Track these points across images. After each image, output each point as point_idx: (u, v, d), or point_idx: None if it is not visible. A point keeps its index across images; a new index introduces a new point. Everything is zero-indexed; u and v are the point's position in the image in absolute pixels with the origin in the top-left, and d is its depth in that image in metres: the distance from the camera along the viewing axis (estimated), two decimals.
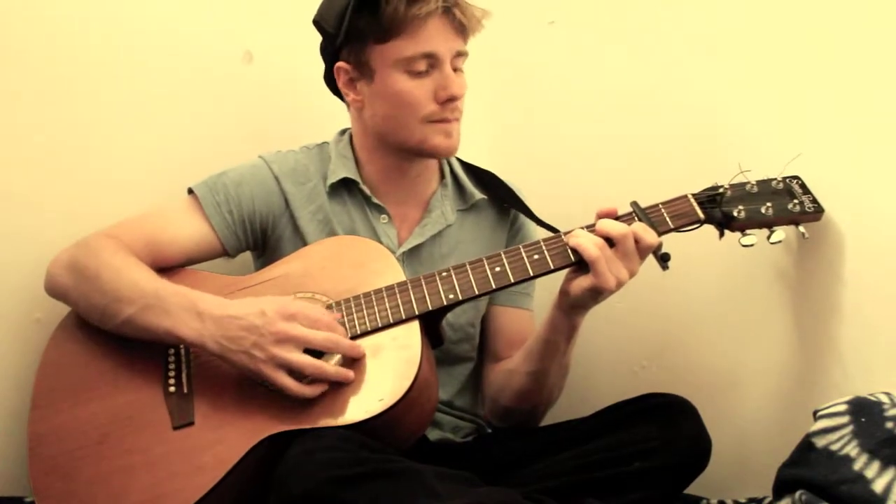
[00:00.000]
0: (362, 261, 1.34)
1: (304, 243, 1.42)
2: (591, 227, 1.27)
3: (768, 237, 1.30)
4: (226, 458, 1.17)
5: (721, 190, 1.30)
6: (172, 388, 1.26)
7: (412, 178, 1.46)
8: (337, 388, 1.21)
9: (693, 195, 1.30)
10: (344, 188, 1.45)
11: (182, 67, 1.60)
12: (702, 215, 1.29)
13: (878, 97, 1.30)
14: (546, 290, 1.38)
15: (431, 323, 1.29)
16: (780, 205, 1.29)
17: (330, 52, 1.41)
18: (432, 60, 1.34)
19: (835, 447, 1.17)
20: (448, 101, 1.35)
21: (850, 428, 1.17)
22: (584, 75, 1.72)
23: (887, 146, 1.29)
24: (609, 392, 1.45)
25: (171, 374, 1.28)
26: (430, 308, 1.26)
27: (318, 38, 1.43)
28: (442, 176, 1.51)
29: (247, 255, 1.50)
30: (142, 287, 1.26)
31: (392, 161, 1.44)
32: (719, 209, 1.29)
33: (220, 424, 1.21)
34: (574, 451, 1.29)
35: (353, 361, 1.23)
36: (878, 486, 1.11)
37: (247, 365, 1.20)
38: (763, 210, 1.28)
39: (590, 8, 1.71)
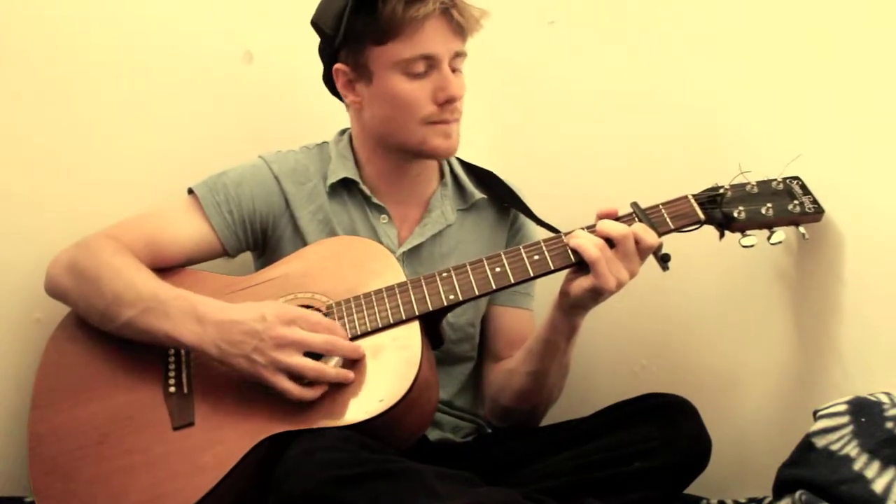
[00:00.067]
0: (362, 261, 1.34)
1: (305, 243, 1.42)
2: (591, 228, 1.27)
3: (768, 238, 1.29)
4: (226, 459, 1.17)
5: (721, 191, 1.30)
6: (172, 389, 1.26)
7: (412, 177, 1.46)
8: (337, 389, 1.21)
9: (693, 196, 1.30)
10: (344, 188, 1.45)
11: (182, 67, 1.59)
12: (702, 216, 1.29)
13: (878, 97, 1.30)
14: (546, 290, 1.38)
15: (432, 323, 1.29)
16: (781, 205, 1.28)
17: (328, 54, 1.41)
18: (431, 62, 1.34)
19: (835, 447, 1.17)
20: (447, 102, 1.35)
21: (850, 428, 1.17)
22: (584, 75, 1.71)
23: (887, 146, 1.29)
24: (609, 392, 1.45)
25: (172, 374, 1.28)
26: (431, 308, 1.26)
27: (318, 38, 1.43)
28: (442, 175, 1.50)
29: (247, 256, 1.50)
30: (141, 290, 1.26)
31: (392, 161, 1.44)
32: (720, 210, 1.29)
33: (220, 425, 1.21)
34: (574, 451, 1.29)
35: (354, 362, 1.23)
36: (878, 486, 1.11)
37: (247, 369, 1.20)
38: (763, 211, 1.28)
39: (590, 8, 1.70)
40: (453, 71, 1.37)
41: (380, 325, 1.26)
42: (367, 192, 1.44)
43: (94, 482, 1.20)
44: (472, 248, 1.46)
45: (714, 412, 1.32)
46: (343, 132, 1.51)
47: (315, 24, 1.41)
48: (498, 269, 1.27)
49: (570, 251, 1.26)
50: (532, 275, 1.27)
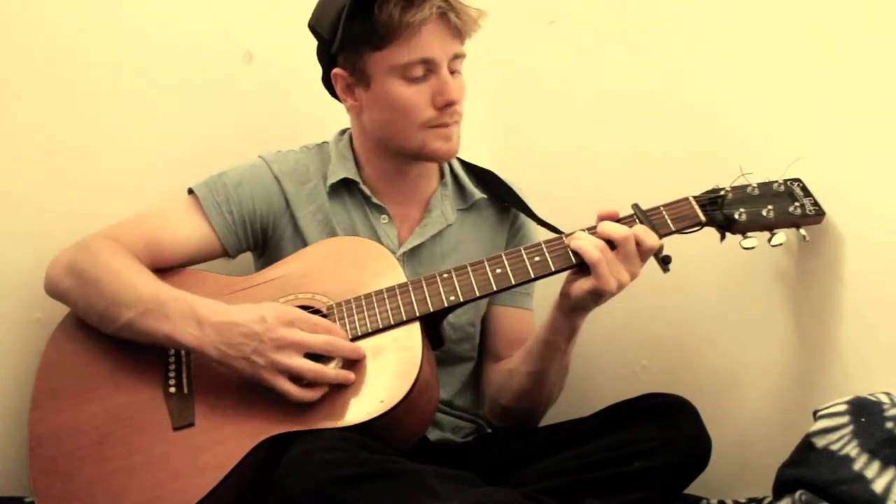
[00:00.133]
0: (362, 261, 1.34)
1: (305, 243, 1.42)
2: (591, 230, 1.27)
3: (769, 240, 1.29)
4: (226, 460, 1.17)
5: (722, 192, 1.30)
6: (173, 389, 1.26)
7: (412, 179, 1.46)
8: (338, 390, 1.21)
9: (694, 197, 1.30)
10: (344, 188, 1.45)
11: (182, 67, 1.59)
12: (703, 218, 1.28)
13: (878, 98, 1.30)
14: (547, 290, 1.38)
15: (432, 324, 1.29)
16: (782, 207, 1.28)
17: (326, 58, 1.41)
18: (429, 66, 1.33)
19: (835, 447, 1.17)
20: (446, 106, 1.35)
21: (850, 428, 1.17)
22: (584, 75, 1.71)
23: (887, 146, 1.29)
24: (609, 392, 1.46)
25: (172, 374, 1.28)
26: (431, 309, 1.26)
27: (313, 36, 1.42)
28: (442, 175, 1.50)
29: (247, 256, 1.50)
30: (141, 291, 1.26)
31: (392, 163, 1.43)
32: (720, 212, 1.29)
33: (220, 425, 1.21)
34: (574, 451, 1.29)
35: (354, 363, 1.23)
36: (878, 486, 1.11)
37: (247, 371, 1.20)
38: (764, 213, 1.28)
39: (590, 8, 1.70)
40: (452, 73, 1.36)
41: (380, 326, 1.26)
42: (367, 192, 1.44)
43: (94, 482, 1.20)
44: (473, 248, 1.46)
45: (714, 412, 1.32)
46: (343, 132, 1.50)
47: (312, 27, 1.40)
48: (499, 270, 1.27)
49: (570, 252, 1.26)
50: (533, 276, 1.27)
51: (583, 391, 1.57)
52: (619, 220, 1.27)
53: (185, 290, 1.27)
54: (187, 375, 1.27)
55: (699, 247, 1.31)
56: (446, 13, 1.32)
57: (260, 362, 1.19)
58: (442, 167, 1.51)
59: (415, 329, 1.25)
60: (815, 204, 1.29)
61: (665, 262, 1.26)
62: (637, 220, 1.27)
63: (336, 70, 1.39)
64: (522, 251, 1.28)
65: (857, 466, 1.13)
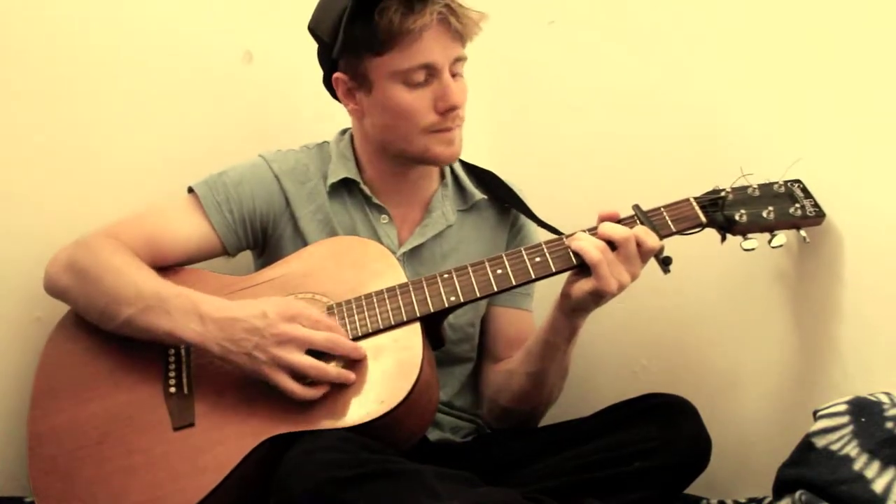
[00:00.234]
0: (363, 261, 1.34)
1: (305, 243, 1.42)
2: (592, 230, 1.27)
3: (769, 241, 1.29)
4: (226, 460, 1.17)
5: (723, 193, 1.30)
6: (173, 389, 1.26)
7: (413, 180, 1.46)
8: (338, 390, 1.21)
9: (695, 198, 1.30)
10: (344, 188, 1.45)
11: (182, 67, 1.59)
12: (704, 219, 1.28)
13: (879, 99, 1.30)
14: (547, 291, 1.38)
15: (432, 325, 1.29)
16: (782, 209, 1.28)
17: (327, 61, 1.40)
18: (430, 70, 1.33)
19: (835, 447, 1.17)
20: (448, 110, 1.34)
21: (850, 428, 1.17)
22: (583, 75, 1.71)
23: (887, 147, 1.29)
24: (609, 392, 1.46)
25: (172, 374, 1.27)
26: (432, 310, 1.26)
27: (313, 39, 1.42)
28: (442, 176, 1.50)
29: (247, 255, 1.50)
30: (142, 288, 1.26)
31: (393, 166, 1.43)
32: (721, 213, 1.29)
33: (220, 426, 1.21)
34: (574, 451, 1.29)
35: (355, 363, 1.23)
36: (878, 486, 1.11)
37: (248, 366, 1.20)
38: (765, 214, 1.28)
39: (590, 8, 1.70)
40: (454, 76, 1.35)
41: (381, 327, 1.25)
42: (368, 192, 1.44)
43: (94, 482, 1.20)
44: (473, 249, 1.46)
45: (714, 412, 1.32)
46: (344, 132, 1.50)
47: (312, 30, 1.39)
48: (499, 271, 1.27)
49: (571, 253, 1.26)
50: (533, 276, 1.27)
51: (583, 391, 1.57)
52: (619, 221, 1.27)
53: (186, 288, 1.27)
54: (187, 375, 1.27)
55: (699, 247, 1.31)
56: (447, 18, 1.31)
57: (261, 358, 1.19)
58: (442, 168, 1.51)
59: (415, 329, 1.25)
60: (816, 205, 1.29)
61: (666, 263, 1.26)
62: (638, 221, 1.27)
63: (337, 74, 1.38)
64: (523, 252, 1.28)
65: (857, 466, 1.13)
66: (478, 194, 1.49)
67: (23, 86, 1.45)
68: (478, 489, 1.18)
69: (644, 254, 1.24)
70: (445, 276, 1.28)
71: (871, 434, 1.15)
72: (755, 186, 1.30)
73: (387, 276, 1.31)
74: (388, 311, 1.26)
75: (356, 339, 1.25)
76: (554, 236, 1.30)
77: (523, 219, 1.53)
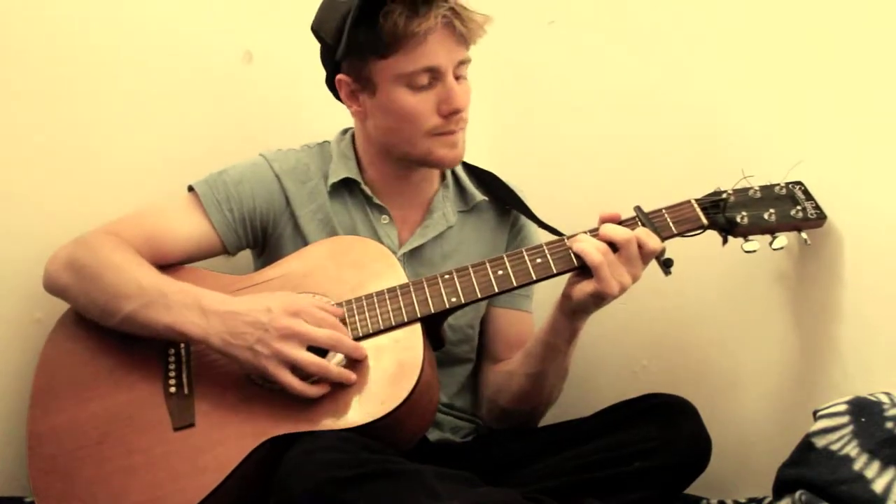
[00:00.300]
0: (363, 261, 1.34)
1: (305, 242, 1.42)
2: (594, 232, 1.27)
3: (770, 243, 1.29)
4: (227, 460, 1.17)
5: (724, 195, 1.30)
6: (173, 389, 1.26)
7: (415, 182, 1.45)
8: (339, 391, 1.21)
9: (696, 200, 1.30)
10: (345, 188, 1.45)
11: (182, 67, 1.59)
12: (705, 221, 1.28)
13: (880, 99, 1.30)
14: (547, 292, 1.38)
15: (433, 325, 1.29)
16: (783, 211, 1.28)
17: (330, 62, 1.40)
18: (434, 74, 1.32)
19: (835, 447, 1.17)
20: (452, 113, 1.34)
21: (850, 428, 1.17)
22: (584, 75, 1.71)
23: (888, 147, 1.29)
24: (609, 392, 1.46)
25: (172, 374, 1.27)
26: (432, 310, 1.26)
27: (316, 40, 1.42)
28: (443, 177, 1.50)
29: (247, 254, 1.50)
30: (143, 283, 1.26)
31: (395, 168, 1.43)
32: (722, 215, 1.28)
33: (220, 426, 1.21)
34: (574, 451, 1.29)
35: (356, 363, 1.23)
36: (878, 486, 1.11)
37: (250, 361, 1.20)
38: (766, 216, 1.28)
39: (590, 8, 1.70)
40: (457, 78, 1.35)
41: (381, 327, 1.25)
42: (369, 192, 1.44)
43: (94, 482, 1.20)
44: (473, 250, 1.46)
45: (714, 412, 1.32)
46: (345, 132, 1.50)
47: (315, 31, 1.39)
48: (500, 272, 1.27)
49: (572, 255, 1.26)
50: (534, 278, 1.27)
51: (583, 391, 1.57)
52: (620, 223, 1.27)
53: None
54: (187, 375, 1.27)
55: (699, 248, 1.31)
56: (451, 21, 1.31)
57: (264, 352, 1.19)
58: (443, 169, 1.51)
59: (416, 330, 1.25)
60: (817, 207, 1.29)
61: (667, 265, 1.25)
62: (639, 223, 1.27)
63: (340, 76, 1.38)
64: (524, 253, 1.28)
65: (857, 466, 1.13)
66: (478, 195, 1.49)
67: (23, 86, 1.45)
68: (478, 489, 1.18)
69: (645, 255, 1.24)
70: (446, 276, 1.28)
71: (871, 434, 1.15)
72: (756, 188, 1.30)
73: (387, 276, 1.31)
74: (388, 312, 1.26)
75: (357, 339, 1.25)
76: (555, 237, 1.30)
77: (524, 220, 1.53)
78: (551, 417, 1.48)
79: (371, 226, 1.44)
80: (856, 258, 1.31)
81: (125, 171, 1.54)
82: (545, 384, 1.40)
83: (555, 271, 1.27)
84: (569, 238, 1.28)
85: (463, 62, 1.36)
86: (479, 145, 1.48)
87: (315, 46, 1.43)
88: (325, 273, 1.34)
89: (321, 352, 1.22)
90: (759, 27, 1.45)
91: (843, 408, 1.20)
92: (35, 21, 1.46)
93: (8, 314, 1.45)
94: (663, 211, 1.29)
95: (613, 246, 1.24)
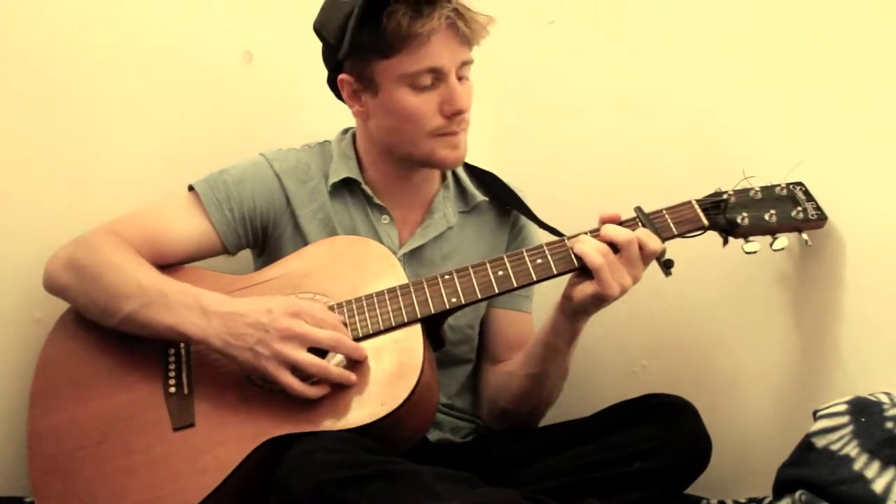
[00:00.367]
0: (363, 261, 1.34)
1: (305, 242, 1.42)
2: (594, 233, 1.27)
3: (771, 244, 1.29)
4: (227, 461, 1.17)
5: (725, 196, 1.30)
6: (173, 389, 1.26)
7: (416, 182, 1.45)
8: (339, 391, 1.21)
9: (697, 201, 1.30)
10: (345, 188, 1.45)
11: (182, 67, 1.59)
12: (706, 222, 1.28)
13: (881, 99, 1.30)
14: (547, 293, 1.38)
15: (433, 326, 1.29)
16: (784, 212, 1.28)
17: (332, 62, 1.40)
18: (437, 74, 1.32)
19: (835, 447, 1.17)
20: (455, 114, 1.34)
21: (850, 428, 1.17)
22: (584, 75, 1.71)
23: (888, 147, 1.29)
24: (609, 392, 1.46)
25: (172, 374, 1.27)
26: (433, 311, 1.26)
27: (319, 41, 1.42)
28: (443, 177, 1.50)
29: (247, 254, 1.50)
30: (144, 283, 1.26)
31: (396, 168, 1.43)
32: (723, 216, 1.28)
33: (220, 426, 1.21)
34: (574, 451, 1.29)
35: (356, 364, 1.23)
36: (878, 486, 1.11)
37: (250, 362, 1.20)
38: (766, 217, 1.28)
39: (590, 8, 1.70)
40: (460, 79, 1.35)
41: (381, 328, 1.25)
42: (370, 192, 1.44)
43: (94, 482, 1.20)
44: (474, 251, 1.46)
45: (714, 412, 1.32)
46: (346, 131, 1.50)
47: (317, 31, 1.39)
48: (500, 273, 1.27)
49: (573, 256, 1.26)
50: (535, 279, 1.27)
51: (583, 391, 1.57)
52: (621, 223, 1.27)
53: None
54: (187, 375, 1.27)
55: (700, 248, 1.31)
56: (455, 22, 1.30)
57: (264, 353, 1.19)
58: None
59: (416, 331, 1.25)
60: (818, 208, 1.29)
61: (667, 266, 1.25)
62: (639, 223, 1.27)
63: (342, 76, 1.38)
64: (524, 253, 1.28)
65: (857, 466, 1.13)
66: (479, 196, 1.49)
67: (23, 86, 1.45)
68: (477, 489, 1.18)
69: (646, 256, 1.24)
70: (446, 277, 1.28)
71: (871, 434, 1.15)
72: (757, 189, 1.30)
73: (387, 276, 1.31)
74: (388, 312, 1.26)
75: (357, 339, 1.25)
76: (555, 238, 1.30)
77: (524, 220, 1.53)
78: (551, 417, 1.48)
79: (371, 226, 1.44)
80: (856, 258, 1.31)
81: (125, 171, 1.54)
82: (545, 385, 1.40)
83: (555, 272, 1.27)
84: (569, 238, 1.28)
85: (466, 63, 1.35)
86: (479, 145, 1.47)
87: (315, 46, 1.43)
88: (325, 273, 1.34)
89: (322, 352, 1.22)
90: (759, 27, 1.45)
91: (843, 408, 1.20)
92: (35, 21, 1.46)
93: (8, 314, 1.45)
94: (664, 212, 1.29)
95: (614, 247, 1.23)
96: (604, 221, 1.27)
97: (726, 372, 1.54)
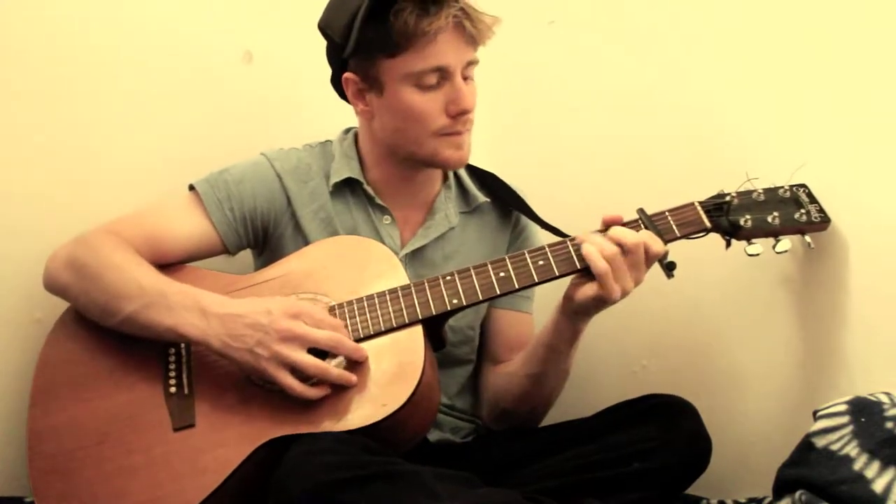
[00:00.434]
0: (365, 262, 1.34)
1: (306, 242, 1.42)
2: (600, 233, 1.26)
3: (774, 246, 1.29)
4: (227, 462, 1.17)
5: (728, 198, 1.29)
6: (173, 389, 1.26)
7: (418, 182, 1.45)
8: (340, 392, 1.21)
9: (700, 203, 1.29)
10: (347, 188, 1.45)
11: (182, 67, 1.59)
12: (708, 224, 1.28)
13: (881, 100, 1.30)
14: (548, 294, 1.38)
15: (434, 326, 1.29)
16: (787, 214, 1.28)
17: (337, 61, 1.39)
18: (443, 74, 1.32)
19: (835, 447, 1.17)
20: (460, 114, 1.34)
21: (850, 428, 1.17)
22: (584, 75, 1.71)
23: (888, 148, 1.29)
24: (609, 392, 1.46)
25: (172, 374, 1.27)
26: (434, 312, 1.26)
27: (318, 37, 1.41)
28: (445, 178, 1.50)
29: (247, 253, 1.49)
30: (144, 284, 1.26)
31: (399, 168, 1.42)
32: (726, 218, 1.28)
33: (221, 427, 1.21)
34: (574, 451, 1.29)
35: (356, 365, 1.23)
36: (878, 486, 1.11)
37: (250, 363, 1.20)
38: (769, 219, 1.27)
39: (590, 8, 1.70)
40: (465, 79, 1.35)
41: (382, 329, 1.25)
42: (371, 192, 1.44)
43: (94, 482, 1.20)
44: (475, 251, 1.46)
45: (714, 412, 1.32)
46: (347, 131, 1.50)
47: (322, 29, 1.38)
48: (502, 274, 1.27)
49: (575, 257, 1.26)
50: (536, 280, 1.27)
51: (583, 391, 1.56)
52: (623, 225, 1.27)
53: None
54: (187, 375, 1.27)
55: (701, 249, 1.31)
56: (462, 21, 1.30)
57: (264, 354, 1.19)
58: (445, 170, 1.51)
59: (417, 332, 1.25)
60: (821, 211, 1.29)
61: (670, 268, 1.25)
62: (642, 225, 1.27)
63: (347, 74, 1.38)
64: (526, 255, 1.28)
65: (857, 466, 1.13)
66: (480, 197, 1.49)
67: (23, 86, 1.45)
68: (477, 490, 1.19)
69: (649, 259, 1.24)
70: (448, 278, 1.28)
71: (871, 434, 1.15)
72: (760, 191, 1.29)
73: (389, 277, 1.31)
74: (389, 313, 1.26)
75: (357, 340, 1.25)
76: (557, 239, 1.30)
77: (525, 221, 1.53)
78: (551, 417, 1.48)
79: (373, 226, 1.44)
80: (856, 259, 1.31)
81: (125, 171, 1.54)
82: (546, 385, 1.40)
83: (557, 273, 1.27)
84: (572, 239, 1.27)
85: (471, 63, 1.35)
86: (478, 145, 1.47)
87: (315, 46, 1.42)
88: (326, 273, 1.34)
89: (322, 353, 1.22)
90: (758, 28, 1.46)
91: (843, 408, 1.20)
92: (35, 21, 1.46)
93: (8, 314, 1.45)
94: (666, 213, 1.29)
95: (623, 249, 1.23)
96: (606, 223, 1.27)
97: (726, 372, 1.54)
